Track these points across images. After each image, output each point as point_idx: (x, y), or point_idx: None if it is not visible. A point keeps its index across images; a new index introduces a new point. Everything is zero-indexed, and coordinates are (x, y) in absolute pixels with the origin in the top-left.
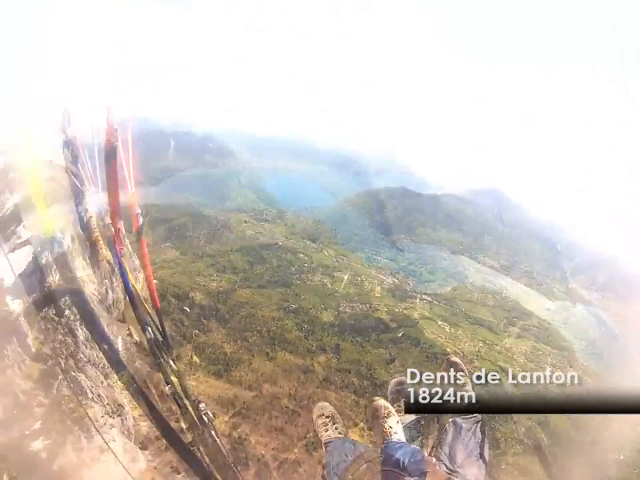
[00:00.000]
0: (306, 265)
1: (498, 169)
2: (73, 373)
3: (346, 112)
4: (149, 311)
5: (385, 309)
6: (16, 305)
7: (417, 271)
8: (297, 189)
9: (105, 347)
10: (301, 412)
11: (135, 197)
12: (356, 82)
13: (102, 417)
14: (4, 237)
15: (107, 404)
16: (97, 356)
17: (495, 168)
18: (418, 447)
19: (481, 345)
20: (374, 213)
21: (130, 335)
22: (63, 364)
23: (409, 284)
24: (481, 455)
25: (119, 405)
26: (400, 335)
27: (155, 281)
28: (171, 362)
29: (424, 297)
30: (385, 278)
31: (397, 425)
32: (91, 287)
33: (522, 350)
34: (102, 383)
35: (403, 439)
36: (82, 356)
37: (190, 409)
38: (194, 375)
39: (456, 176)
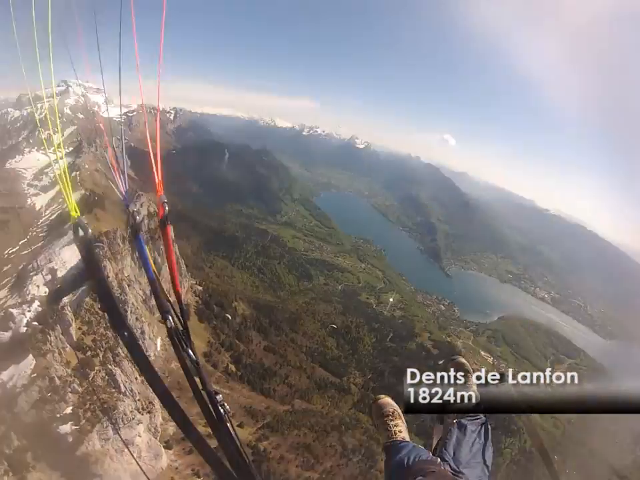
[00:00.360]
0: (353, 284)
1: (555, 195)
2: (109, 366)
3: (402, 129)
4: (170, 299)
5: (428, 335)
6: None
7: (464, 299)
8: (349, 207)
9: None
10: (330, 432)
11: (161, 185)
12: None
13: (131, 411)
14: (61, 231)
15: (138, 400)
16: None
17: (550, 194)
18: (422, 447)
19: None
20: (425, 236)
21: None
22: (101, 356)
23: (454, 311)
24: (485, 457)
25: (150, 402)
26: (440, 363)
27: (199, 287)
28: (190, 352)
29: (469, 325)
30: (430, 303)
31: (402, 424)
32: (136, 287)
33: None
34: (136, 379)
35: (407, 438)
36: (120, 351)
37: (206, 399)
38: (228, 382)
39: (513, 202)
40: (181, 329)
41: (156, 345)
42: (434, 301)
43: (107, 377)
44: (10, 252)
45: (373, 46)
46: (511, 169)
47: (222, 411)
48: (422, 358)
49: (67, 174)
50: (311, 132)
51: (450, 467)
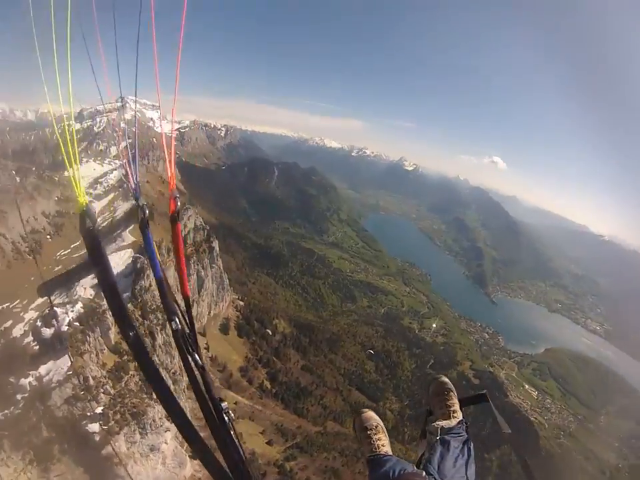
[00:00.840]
0: (396, 307)
1: (611, 220)
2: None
3: (450, 151)
4: (177, 300)
5: (470, 364)
6: None
7: (509, 327)
8: (396, 229)
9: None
10: (360, 458)
11: (173, 179)
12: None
13: (160, 418)
14: (110, 238)
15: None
16: (170, 362)
17: (604, 218)
18: (406, 461)
19: (571, 419)
20: (471, 261)
21: (207, 348)
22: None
23: (498, 340)
24: (467, 474)
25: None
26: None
27: (240, 302)
28: (197, 356)
29: (513, 356)
30: (474, 331)
31: (385, 438)
32: (178, 297)
33: (618, 432)
34: (169, 387)
35: (390, 453)
36: (156, 358)
37: (210, 405)
38: (261, 399)
39: (565, 227)
40: (188, 331)
41: None
42: (478, 329)
43: (140, 382)
44: (62, 254)
45: (423, 69)
46: (563, 192)
47: (226, 418)
48: (462, 387)
49: (77, 157)
50: (360, 153)
51: (435, 479)
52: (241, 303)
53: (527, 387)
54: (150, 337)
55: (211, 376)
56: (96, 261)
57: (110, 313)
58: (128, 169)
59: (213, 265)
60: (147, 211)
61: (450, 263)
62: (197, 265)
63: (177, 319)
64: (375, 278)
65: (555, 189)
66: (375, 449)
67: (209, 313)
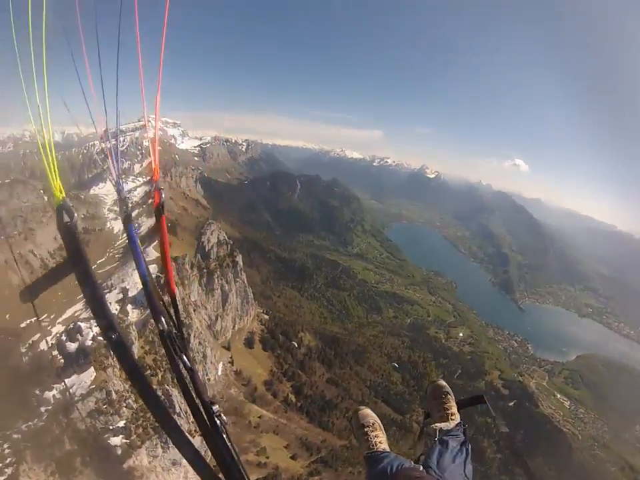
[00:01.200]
0: (422, 317)
1: None
2: (166, 386)
3: (471, 156)
4: (163, 299)
5: (499, 374)
6: (134, 314)
7: (538, 335)
8: (420, 238)
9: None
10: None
11: (157, 171)
12: None
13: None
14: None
15: (192, 422)
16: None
17: (635, 215)
18: (403, 457)
19: (606, 429)
20: (497, 267)
21: (231, 362)
22: (160, 376)
23: (527, 348)
24: (465, 472)
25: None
26: (511, 404)
27: (265, 316)
28: (185, 358)
29: (543, 364)
30: (502, 339)
31: (382, 435)
32: (202, 312)
33: None
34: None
35: (388, 450)
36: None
37: (201, 408)
38: (286, 412)
39: (593, 228)
40: (175, 332)
41: (217, 369)
42: (506, 337)
43: (163, 396)
44: None
45: (440, 74)
46: (588, 191)
47: (218, 422)
48: (491, 398)
49: (52, 148)
50: (381, 163)
51: (435, 473)
52: (266, 317)
53: (558, 396)
54: None
55: (200, 378)
56: (74, 256)
57: (134, 327)
58: (110, 162)
59: (237, 279)
60: (130, 204)
61: (475, 270)
62: (221, 279)
63: (163, 319)
64: (400, 288)
65: (580, 189)
66: (373, 446)
67: (234, 327)
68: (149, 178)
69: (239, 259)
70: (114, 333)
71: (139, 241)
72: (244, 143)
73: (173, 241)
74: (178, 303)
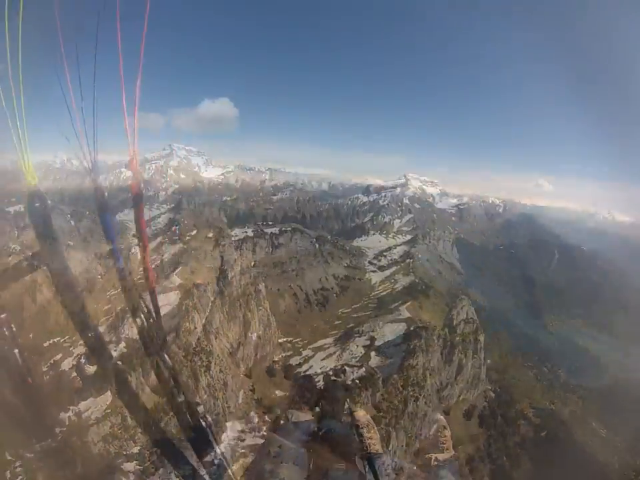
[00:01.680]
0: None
1: None
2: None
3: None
4: (142, 295)
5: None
6: (375, 360)
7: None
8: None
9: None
10: None
11: (137, 155)
12: None
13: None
14: (390, 309)
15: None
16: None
17: None
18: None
19: None
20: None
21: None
22: None
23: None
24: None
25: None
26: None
27: (492, 393)
28: (165, 356)
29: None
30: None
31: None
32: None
33: None
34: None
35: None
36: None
37: (185, 410)
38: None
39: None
40: (155, 328)
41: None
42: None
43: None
44: (343, 312)
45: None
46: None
47: (203, 424)
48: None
49: (26, 138)
50: None
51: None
52: (492, 395)
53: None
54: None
55: (181, 377)
56: (45, 242)
57: (377, 371)
58: (84, 148)
59: (475, 356)
60: (106, 193)
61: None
62: (461, 353)
63: (142, 315)
64: None
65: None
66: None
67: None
68: (408, 237)
69: (482, 338)
70: (91, 332)
71: (115, 232)
72: (501, 204)
73: (424, 302)
74: (157, 299)
